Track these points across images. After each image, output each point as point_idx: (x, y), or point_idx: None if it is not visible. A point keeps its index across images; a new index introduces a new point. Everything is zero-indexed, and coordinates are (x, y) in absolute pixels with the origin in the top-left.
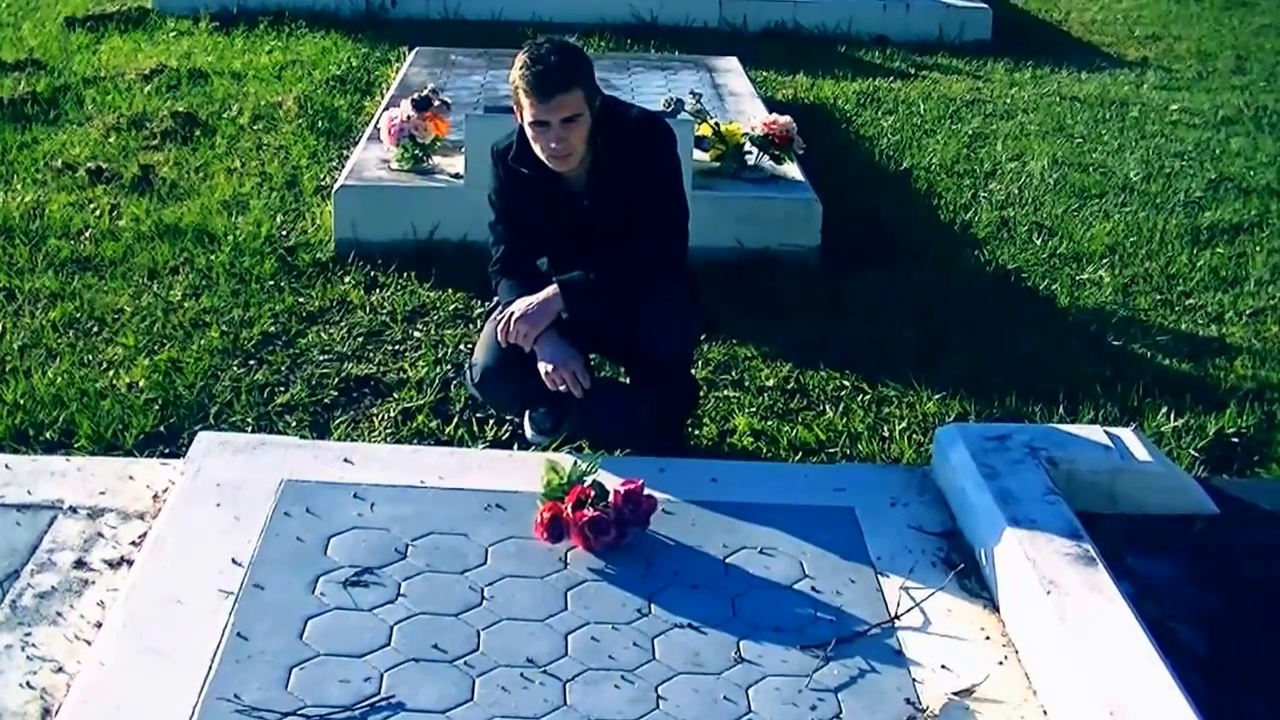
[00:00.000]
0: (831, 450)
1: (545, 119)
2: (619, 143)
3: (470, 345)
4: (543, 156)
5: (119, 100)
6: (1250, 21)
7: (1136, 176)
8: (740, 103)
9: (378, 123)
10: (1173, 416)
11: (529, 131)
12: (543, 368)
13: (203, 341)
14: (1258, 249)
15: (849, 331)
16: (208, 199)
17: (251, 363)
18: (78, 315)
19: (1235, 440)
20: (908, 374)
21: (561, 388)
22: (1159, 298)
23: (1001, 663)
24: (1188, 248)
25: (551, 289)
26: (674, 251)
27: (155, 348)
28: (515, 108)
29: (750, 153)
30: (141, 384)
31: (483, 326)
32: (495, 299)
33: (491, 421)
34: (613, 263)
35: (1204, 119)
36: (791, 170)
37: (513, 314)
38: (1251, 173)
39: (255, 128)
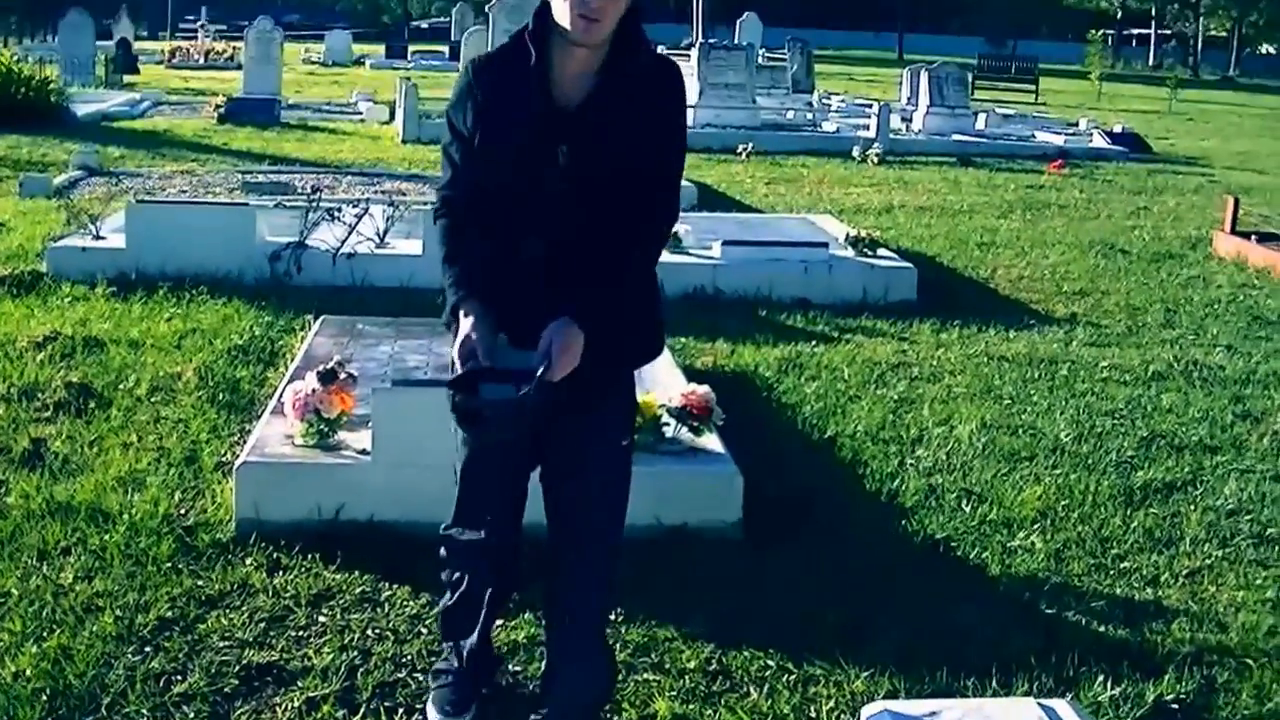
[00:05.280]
0: None
1: None
2: (638, 64)
3: (378, 631)
4: (572, 16)
5: (9, 369)
6: (1178, 274)
7: (1067, 437)
8: (656, 372)
9: (281, 396)
10: (1109, 685)
11: None
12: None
13: (95, 627)
14: (1192, 507)
15: (773, 608)
16: (102, 475)
17: (147, 650)
18: None
19: (1175, 707)
20: (834, 651)
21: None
22: (1093, 562)
23: None
24: (1121, 509)
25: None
26: (670, 211)
27: (44, 634)
28: None
29: (668, 425)
30: (29, 673)
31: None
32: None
33: (401, 711)
34: (603, 231)
35: (1134, 375)
36: (711, 442)
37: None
38: (1183, 429)
39: (153, 400)
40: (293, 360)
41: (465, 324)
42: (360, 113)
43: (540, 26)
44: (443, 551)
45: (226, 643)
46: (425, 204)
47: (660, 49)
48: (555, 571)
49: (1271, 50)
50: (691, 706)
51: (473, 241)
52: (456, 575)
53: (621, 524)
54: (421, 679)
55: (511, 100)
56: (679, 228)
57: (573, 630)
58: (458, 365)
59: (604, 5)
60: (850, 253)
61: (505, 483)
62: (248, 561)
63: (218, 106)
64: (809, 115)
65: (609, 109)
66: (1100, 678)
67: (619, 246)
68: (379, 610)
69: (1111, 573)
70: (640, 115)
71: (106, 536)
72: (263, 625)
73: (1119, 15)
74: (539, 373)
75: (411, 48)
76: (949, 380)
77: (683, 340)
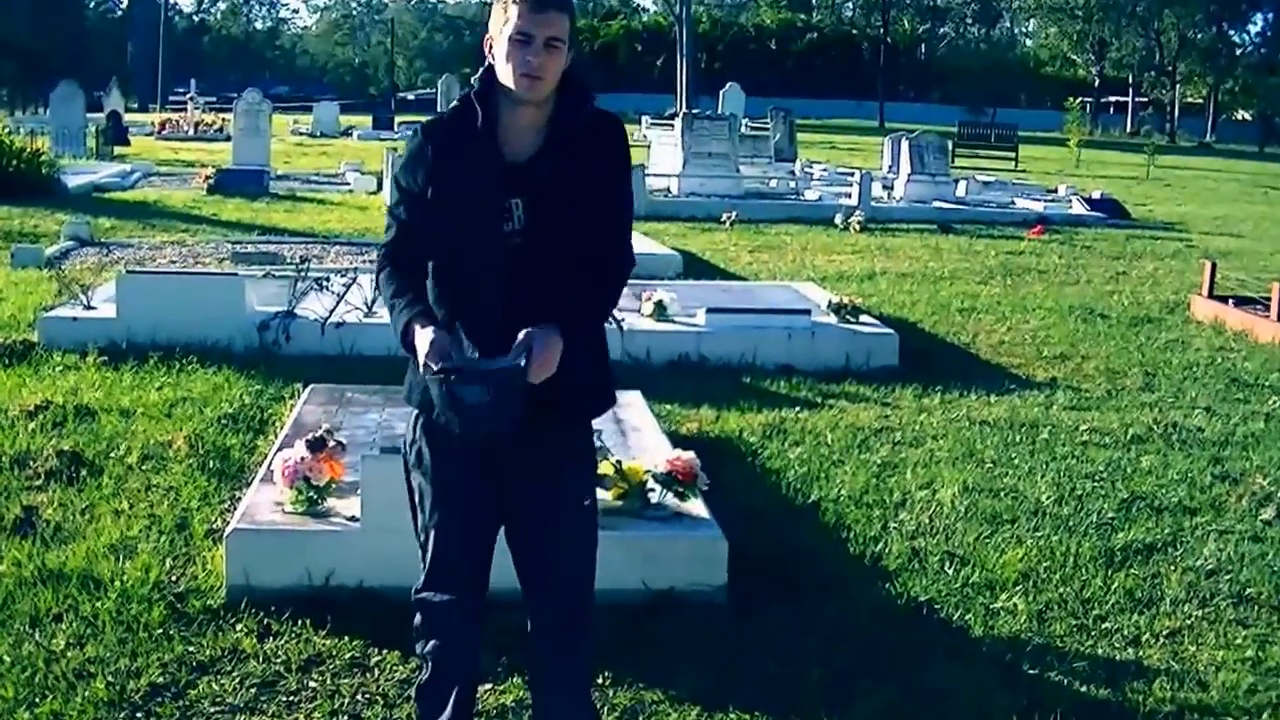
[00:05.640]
0: None
1: (531, 32)
2: (582, 118)
3: (368, 695)
4: (515, 76)
5: (1, 438)
6: (1157, 338)
7: (1048, 499)
8: (642, 439)
9: (271, 463)
10: None
11: (504, 48)
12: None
13: (87, 693)
14: (1172, 568)
15: (759, 671)
16: (94, 542)
17: (139, 716)
18: None
19: None
20: (819, 713)
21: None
22: (1074, 623)
23: None
24: (1102, 570)
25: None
26: (624, 257)
27: (36, 700)
28: (488, 36)
29: (653, 490)
30: None
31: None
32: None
33: None
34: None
35: (1114, 438)
36: (696, 507)
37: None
38: (1163, 490)
39: (144, 468)
40: (282, 428)
41: (426, 332)
42: (348, 183)
43: (486, 86)
44: (417, 619)
45: (218, 708)
46: None
47: (645, 119)
48: (533, 632)
49: (1247, 117)
50: None
51: (417, 283)
52: (432, 644)
53: (593, 581)
54: None
55: (463, 159)
56: (664, 295)
57: (556, 689)
58: (431, 367)
59: (545, 62)
60: (833, 319)
61: (473, 544)
62: (238, 627)
63: (207, 178)
64: (792, 184)
65: (558, 162)
66: None
67: (574, 296)
68: (369, 675)
69: (1093, 633)
70: (588, 167)
71: (98, 603)
72: (254, 690)
73: (1097, 83)
74: (522, 365)
75: (398, 119)
76: (931, 444)
77: (668, 406)
